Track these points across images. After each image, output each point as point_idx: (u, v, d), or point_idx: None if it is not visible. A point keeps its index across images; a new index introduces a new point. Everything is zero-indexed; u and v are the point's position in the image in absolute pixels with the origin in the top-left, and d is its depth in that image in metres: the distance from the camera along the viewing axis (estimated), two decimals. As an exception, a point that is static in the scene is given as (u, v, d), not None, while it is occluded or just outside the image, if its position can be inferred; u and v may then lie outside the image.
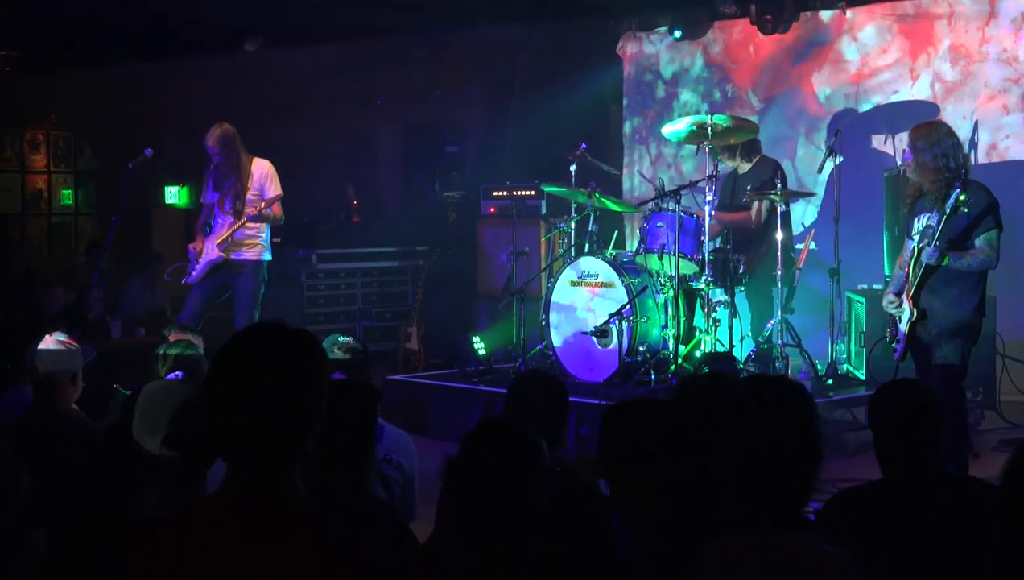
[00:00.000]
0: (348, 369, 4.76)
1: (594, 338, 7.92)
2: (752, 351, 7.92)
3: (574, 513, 3.16)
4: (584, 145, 8.93)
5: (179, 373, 5.01)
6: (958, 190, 5.81)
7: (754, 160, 8.46)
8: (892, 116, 9.73)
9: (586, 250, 8.27)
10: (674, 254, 7.73)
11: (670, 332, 7.74)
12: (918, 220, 6.13)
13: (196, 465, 2.26)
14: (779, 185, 7.97)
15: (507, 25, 11.01)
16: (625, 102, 11.51)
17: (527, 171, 10.81)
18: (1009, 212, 6.31)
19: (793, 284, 8.16)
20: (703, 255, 7.81)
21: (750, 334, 8.25)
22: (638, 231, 8.57)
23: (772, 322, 7.91)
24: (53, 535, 3.27)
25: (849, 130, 9.25)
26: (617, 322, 7.69)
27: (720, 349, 7.73)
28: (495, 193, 10.79)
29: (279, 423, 2.20)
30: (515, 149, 11.71)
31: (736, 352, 7.78)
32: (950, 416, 4.66)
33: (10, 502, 2.86)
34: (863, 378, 8.16)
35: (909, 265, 6.11)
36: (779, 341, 7.81)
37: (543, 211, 10.41)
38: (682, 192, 7.93)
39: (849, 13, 9.97)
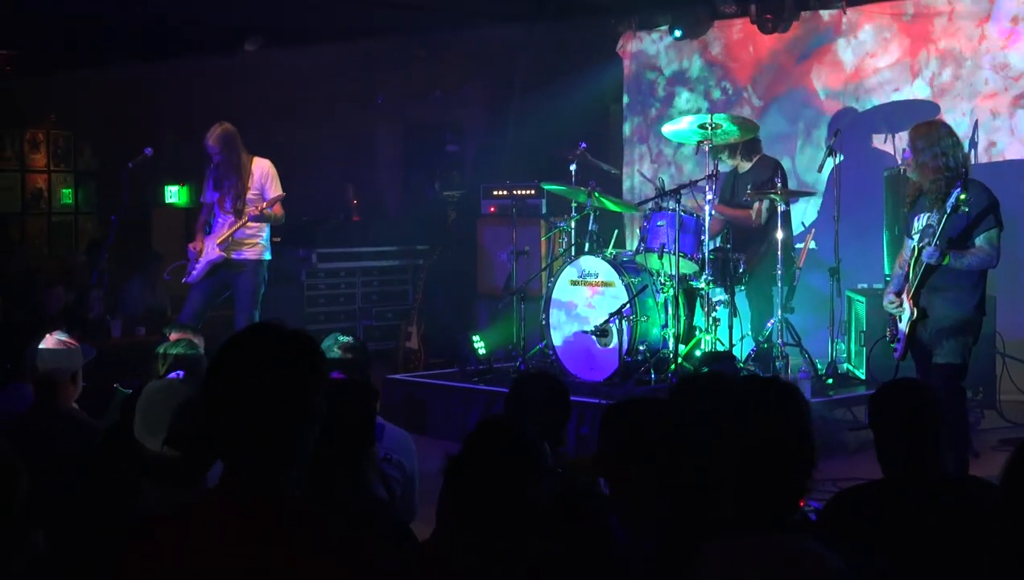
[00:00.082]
0: (348, 369, 4.76)
1: (594, 337, 7.91)
2: (752, 350, 7.92)
3: (574, 513, 3.16)
4: (584, 144, 8.94)
5: (180, 372, 5.01)
6: (958, 189, 5.80)
7: (754, 159, 8.46)
8: (892, 115, 9.72)
9: (586, 249, 8.26)
10: (674, 253, 7.73)
11: (670, 331, 7.74)
12: (918, 219, 6.13)
13: (197, 464, 2.27)
14: (779, 184, 7.98)
15: (507, 25, 11.00)
16: (625, 101, 11.50)
17: (527, 171, 10.80)
18: (1009, 212, 6.31)
19: (793, 283, 8.15)
20: (703, 254, 7.81)
21: (750, 333, 8.25)
22: (638, 230, 8.57)
23: (772, 321, 7.91)
24: (53, 535, 3.27)
25: (849, 129, 9.25)
26: (617, 321, 7.69)
27: (720, 348, 7.73)
28: (495, 192, 10.78)
29: (278, 423, 2.20)
30: (515, 149, 11.70)
31: (736, 351, 7.78)
32: (951, 415, 4.66)
33: (10, 502, 2.86)
34: (863, 377, 8.16)
35: (909, 264, 6.11)
36: (779, 340, 7.81)
37: (543, 210, 10.40)
38: (682, 191, 7.94)
39: (849, 12, 9.98)
